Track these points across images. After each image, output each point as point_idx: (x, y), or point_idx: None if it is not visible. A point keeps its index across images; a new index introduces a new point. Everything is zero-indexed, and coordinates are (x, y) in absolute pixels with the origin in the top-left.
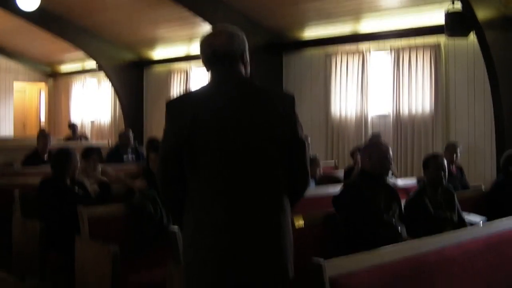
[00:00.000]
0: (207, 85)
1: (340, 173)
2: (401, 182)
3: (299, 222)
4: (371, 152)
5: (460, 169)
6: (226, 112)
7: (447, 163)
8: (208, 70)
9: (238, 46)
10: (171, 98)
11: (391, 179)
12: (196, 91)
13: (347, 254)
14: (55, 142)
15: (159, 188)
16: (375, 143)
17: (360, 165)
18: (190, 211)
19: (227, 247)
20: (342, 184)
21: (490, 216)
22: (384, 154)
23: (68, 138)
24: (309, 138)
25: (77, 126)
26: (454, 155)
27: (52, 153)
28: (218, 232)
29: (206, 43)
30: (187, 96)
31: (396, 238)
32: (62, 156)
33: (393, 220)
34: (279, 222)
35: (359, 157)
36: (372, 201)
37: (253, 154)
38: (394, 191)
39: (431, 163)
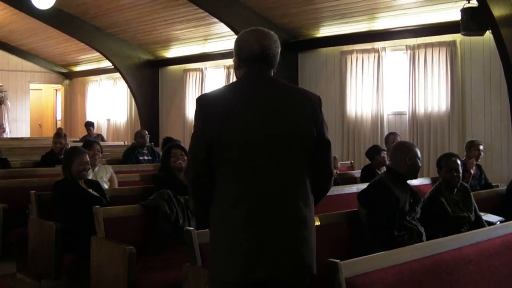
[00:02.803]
0: (238, 82)
1: (356, 174)
2: (416, 181)
3: (315, 222)
4: (409, 154)
5: (479, 168)
6: (256, 110)
7: (475, 160)
8: (240, 67)
9: (278, 51)
10: (202, 94)
11: None
12: (227, 87)
13: (366, 253)
14: (70, 143)
15: (188, 182)
16: (412, 144)
17: (389, 164)
18: (218, 205)
19: (254, 242)
20: (358, 183)
21: (508, 215)
22: (419, 158)
23: (84, 138)
24: None
25: (93, 125)
26: (481, 152)
27: None
28: (244, 226)
29: (254, 40)
30: (219, 92)
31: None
32: (65, 157)
33: (414, 222)
34: (305, 218)
35: (382, 155)
36: (399, 200)
37: (281, 151)
38: (417, 194)
39: (444, 163)
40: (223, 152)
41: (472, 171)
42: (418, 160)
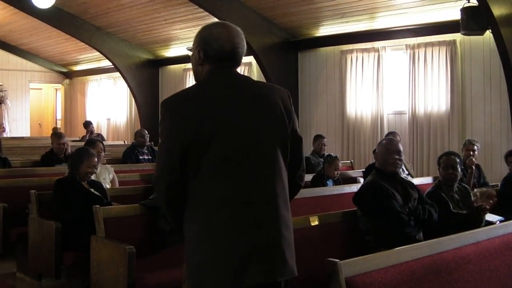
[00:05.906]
0: (208, 81)
1: (356, 173)
2: (416, 181)
3: (314, 222)
4: (379, 148)
5: (478, 167)
6: (234, 110)
7: (464, 160)
8: (204, 63)
9: (245, 49)
10: (167, 97)
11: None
12: (197, 88)
13: (366, 253)
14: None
15: (160, 192)
16: (387, 140)
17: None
18: (195, 211)
19: (239, 249)
20: (358, 183)
21: (504, 211)
22: (390, 150)
23: (83, 138)
24: (325, 140)
25: (92, 124)
26: (471, 152)
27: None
28: (228, 232)
29: (225, 38)
30: (188, 94)
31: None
32: (75, 156)
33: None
34: (286, 219)
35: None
36: (394, 195)
37: (262, 151)
38: (408, 188)
39: (442, 161)
40: (201, 156)
41: (473, 167)
42: (390, 153)
